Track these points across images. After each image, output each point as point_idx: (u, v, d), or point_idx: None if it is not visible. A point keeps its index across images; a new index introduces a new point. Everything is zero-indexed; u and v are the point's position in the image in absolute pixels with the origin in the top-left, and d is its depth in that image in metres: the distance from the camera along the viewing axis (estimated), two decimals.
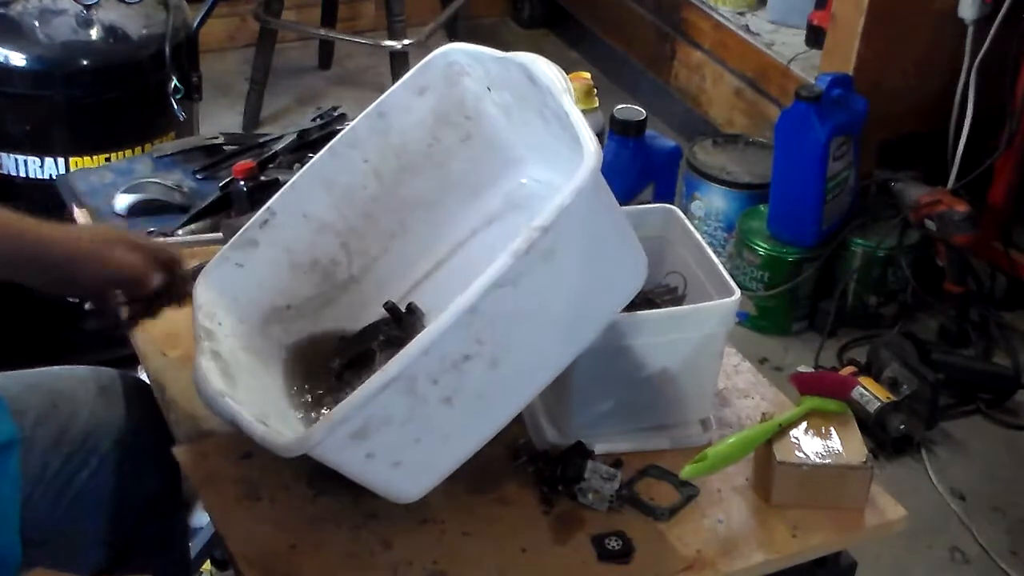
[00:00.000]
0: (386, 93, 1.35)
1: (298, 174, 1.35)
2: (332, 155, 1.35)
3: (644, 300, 1.28)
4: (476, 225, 1.40)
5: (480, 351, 1.05)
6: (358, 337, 1.31)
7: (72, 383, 1.35)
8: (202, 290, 1.29)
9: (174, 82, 2.29)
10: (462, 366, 1.04)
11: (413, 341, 1.01)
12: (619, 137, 1.89)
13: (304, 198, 1.34)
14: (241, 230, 1.33)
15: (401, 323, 1.28)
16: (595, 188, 1.05)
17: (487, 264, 1.03)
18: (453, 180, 1.39)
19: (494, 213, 1.40)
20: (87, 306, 1.29)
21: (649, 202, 1.81)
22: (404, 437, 1.06)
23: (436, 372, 1.03)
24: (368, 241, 1.37)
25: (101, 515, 1.30)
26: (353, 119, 1.72)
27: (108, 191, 1.66)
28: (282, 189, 1.34)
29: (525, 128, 1.31)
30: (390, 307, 1.29)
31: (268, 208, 1.33)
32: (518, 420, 1.20)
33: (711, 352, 1.27)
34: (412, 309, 1.30)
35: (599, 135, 1.77)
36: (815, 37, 2.92)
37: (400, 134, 1.36)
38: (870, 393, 2.37)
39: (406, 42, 3.17)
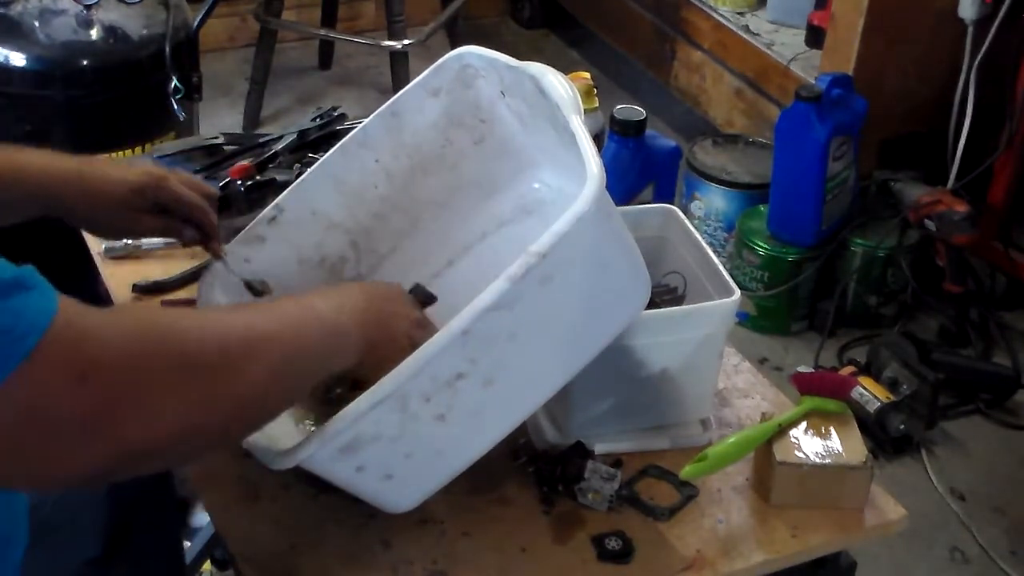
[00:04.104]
0: (399, 93, 1.35)
1: (308, 172, 1.35)
2: (343, 153, 1.35)
3: None
4: (487, 228, 1.40)
5: (474, 370, 1.04)
6: None
7: None
8: (206, 286, 1.29)
9: (174, 82, 2.29)
10: (456, 384, 1.04)
11: (405, 361, 1.00)
12: (619, 137, 1.89)
13: (313, 196, 1.34)
14: (248, 226, 1.33)
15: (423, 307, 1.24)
16: (597, 213, 1.04)
17: (497, 268, 1.02)
18: (465, 182, 1.38)
19: (505, 216, 1.39)
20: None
21: (649, 202, 1.81)
22: (395, 452, 1.05)
23: (429, 391, 1.03)
24: (377, 240, 1.37)
25: (95, 504, 1.29)
26: (353, 119, 1.73)
27: None
28: (291, 186, 1.34)
29: (538, 134, 1.30)
30: (417, 290, 1.25)
31: (276, 205, 1.33)
32: None
33: (711, 352, 1.27)
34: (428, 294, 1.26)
35: (599, 135, 1.77)
36: (815, 37, 2.92)
37: (413, 135, 1.36)
38: (870, 393, 2.37)
39: (406, 42, 3.17)
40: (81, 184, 1.26)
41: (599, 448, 1.26)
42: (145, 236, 1.34)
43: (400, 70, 3.19)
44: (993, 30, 2.61)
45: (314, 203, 1.33)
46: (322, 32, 3.54)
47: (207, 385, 0.90)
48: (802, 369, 2.44)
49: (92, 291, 1.59)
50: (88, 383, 0.83)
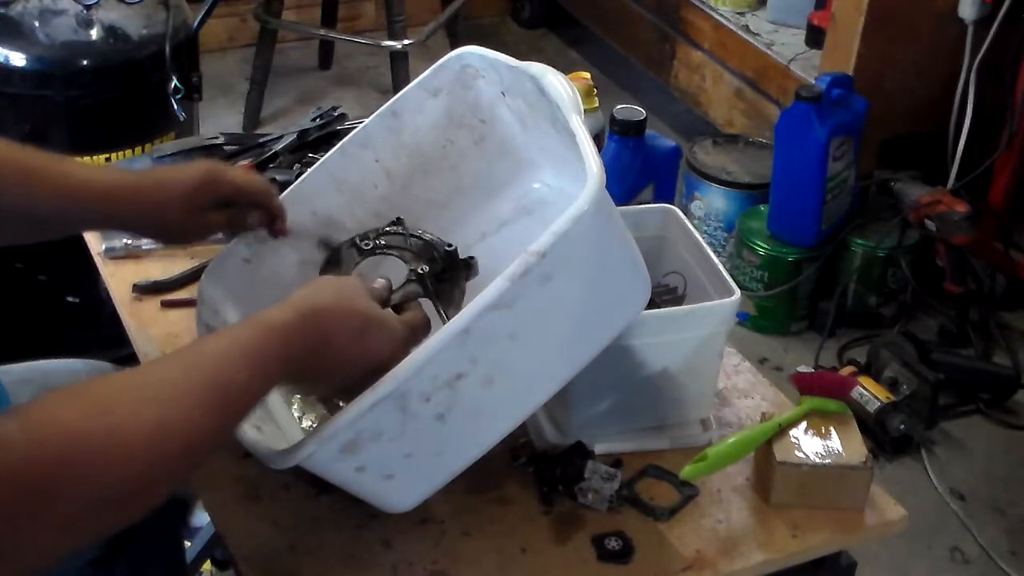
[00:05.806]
0: (400, 93, 1.35)
1: (308, 171, 1.35)
2: (343, 154, 1.35)
3: None
4: (487, 228, 1.39)
5: (474, 370, 1.04)
6: (406, 249, 1.26)
7: (65, 377, 1.34)
8: (207, 285, 1.29)
9: (174, 82, 2.29)
10: (455, 384, 1.03)
11: (405, 360, 1.00)
12: (619, 137, 1.89)
13: (313, 195, 1.33)
14: None
15: (450, 266, 1.23)
16: (597, 213, 1.04)
17: (497, 268, 1.02)
18: (465, 182, 1.38)
19: (505, 217, 1.39)
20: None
21: (649, 202, 1.81)
22: (395, 452, 1.05)
23: (428, 390, 1.02)
24: None
25: None
26: (353, 119, 1.73)
27: None
28: (291, 186, 1.34)
29: (538, 134, 1.30)
30: (454, 250, 1.24)
31: None
32: None
33: (711, 352, 1.27)
34: (469, 264, 1.25)
35: (599, 135, 1.77)
36: (815, 37, 2.92)
37: (413, 135, 1.36)
38: (870, 393, 2.37)
39: (406, 42, 3.17)
40: (140, 196, 1.22)
41: (599, 448, 1.26)
42: (211, 234, 1.30)
43: (400, 70, 3.19)
44: (993, 30, 2.61)
45: (314, 203, 1.33)
46: (322, 32, 3.54)
47: (113, 513, 0.87)
48: (802, 369, 2.44)
49: (92, 291, 1.59)
50: None
